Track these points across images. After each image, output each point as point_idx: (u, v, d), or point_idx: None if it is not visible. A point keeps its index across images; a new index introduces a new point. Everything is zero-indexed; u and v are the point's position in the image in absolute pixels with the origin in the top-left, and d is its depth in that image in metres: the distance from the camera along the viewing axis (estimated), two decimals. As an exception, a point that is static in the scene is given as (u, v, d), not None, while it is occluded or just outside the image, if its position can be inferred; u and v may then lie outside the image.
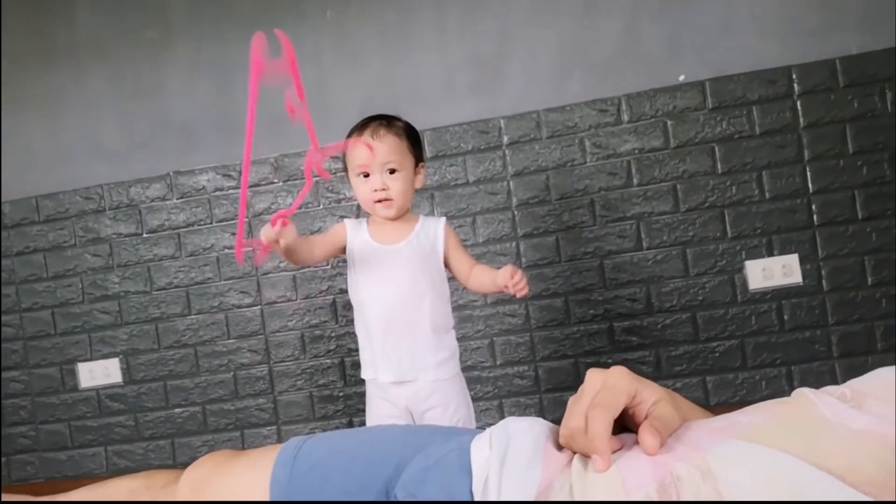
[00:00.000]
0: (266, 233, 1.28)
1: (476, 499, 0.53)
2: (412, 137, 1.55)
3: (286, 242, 1.31)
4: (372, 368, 1.53)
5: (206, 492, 0.67)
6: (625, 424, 0.57)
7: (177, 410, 2.39)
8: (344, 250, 1.55)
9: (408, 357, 1.48)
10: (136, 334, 2.40)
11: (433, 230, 1.55)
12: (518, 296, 1.44)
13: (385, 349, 1.49)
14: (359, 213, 2.23)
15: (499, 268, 2.23)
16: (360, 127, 1.53)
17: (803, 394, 0.51)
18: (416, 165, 1.55)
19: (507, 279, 1.43)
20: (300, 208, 1.34)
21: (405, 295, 1.49)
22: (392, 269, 1.49)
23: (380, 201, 1.49)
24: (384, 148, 1.48)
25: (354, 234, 1.55)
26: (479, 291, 1.63)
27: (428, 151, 2.25)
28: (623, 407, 0.54)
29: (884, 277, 2.10)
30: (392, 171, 1.49)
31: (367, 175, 1.50)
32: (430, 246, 1.53)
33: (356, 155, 1.50)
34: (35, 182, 2.44)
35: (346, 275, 1.57)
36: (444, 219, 1.59)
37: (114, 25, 2.39)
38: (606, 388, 0.54)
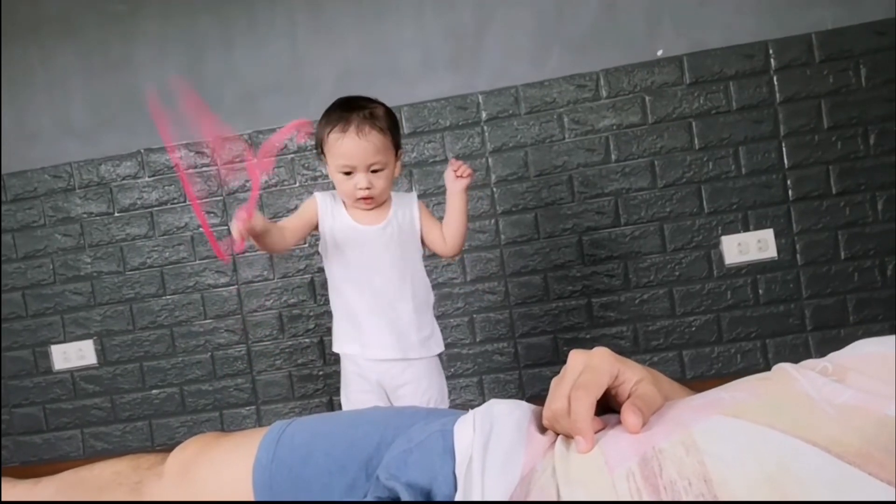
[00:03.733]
0: (234, 228, 1.31)
1: (459, 481, 0.52)
2: (393, 127, 1.49)
3: (257, 228, 1.34)
4: (348, 343, 1.53)
5: (191, 472, 0.68)
6: (608, 405, 0.57)
7: (154, 391, 2.36)
8: (317, 227, 1.52)
9: (392, 336, 1.49)
10: (109, 315, 2.36)
11: (408, 208, 1.54)
12: (465, 176, 1.47)
13: (366, 328, 1.49)
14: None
15: (480, 244, 2.22)
16: (343, 120, 1.43)
17: (784, 369, 0.51)
18: (396, 153, 1.51)
19: (453, 172, 1.48)
20: (259, 193, 1.37)
21: (389, 275, 1.49)
22: (375, 249, 1.49)
23: (362, 199, 1.46)
24: (370, 147, 1.42)
25: (329, 212, 1.51)
26: (456, 236, 1.53)
27: (405, 128, 2.22)
28: (605, 388, 0.53)
29: (856, 251, 2.13)
30: (376, 171, 1.45)
31: (348, 172, 1.45)
32: (409, 224, 1.53)
33: (340, 152, 1.43)
34: (2, 160, 2.36)
35: (321, 252, 1.55)
36: (414, 194, 1.59)
37: (80, -2, 2.32)
38: (589, 369, 0.53)
